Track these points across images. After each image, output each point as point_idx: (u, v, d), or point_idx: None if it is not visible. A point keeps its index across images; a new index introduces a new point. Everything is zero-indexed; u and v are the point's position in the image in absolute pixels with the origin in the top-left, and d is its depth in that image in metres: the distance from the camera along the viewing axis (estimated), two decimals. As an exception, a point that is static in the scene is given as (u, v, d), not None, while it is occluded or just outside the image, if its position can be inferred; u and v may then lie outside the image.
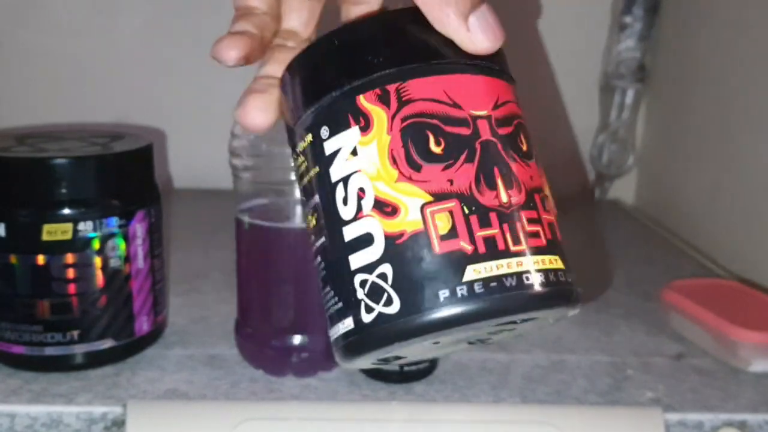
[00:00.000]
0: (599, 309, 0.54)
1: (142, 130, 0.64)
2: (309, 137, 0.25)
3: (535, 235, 0.23)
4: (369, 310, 0.23)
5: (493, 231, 0.23)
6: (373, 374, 0.42)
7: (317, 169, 0.25)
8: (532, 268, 0.23)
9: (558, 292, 0.23)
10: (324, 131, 0.25)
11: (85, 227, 0.40)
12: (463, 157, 0.23)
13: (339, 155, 0.24)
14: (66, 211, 0.40)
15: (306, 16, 0.31)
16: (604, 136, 0.86)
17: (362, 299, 0.24)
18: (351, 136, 0.24)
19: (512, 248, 0.22)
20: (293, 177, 0.40)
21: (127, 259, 0.42)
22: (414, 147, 0.23)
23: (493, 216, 0.23)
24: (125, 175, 0.42)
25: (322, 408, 0.39)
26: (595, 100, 0.87)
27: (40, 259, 0.40)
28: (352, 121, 0.24)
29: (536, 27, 0.85)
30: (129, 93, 0.84)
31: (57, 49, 0.82)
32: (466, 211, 0.23)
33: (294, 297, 0.41)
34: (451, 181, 0.23)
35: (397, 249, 0.23)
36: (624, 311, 0.54)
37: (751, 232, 0.63)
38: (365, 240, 0.24)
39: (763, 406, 0.41)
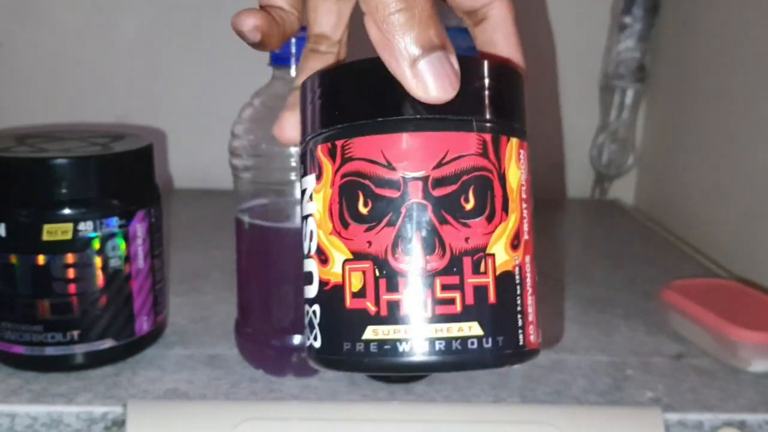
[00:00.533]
0: (599, 309, 0.54)
1: (142, 130, 0.64)
2: (300, 169, 0.27)
3: (449, 302, 0.23)
4: (307, 338, 0.26)
5: (398, 296, 0.23)
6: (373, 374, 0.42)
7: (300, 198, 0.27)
8: (432, 335, 0.23)
9: (456, 361, 0.23)
10: (301, 169, 0.26)
11: (86, 227, 0.40)
12: (385, 220, 0.23)
13: (305, 195, 0.26)
14: (66, 211, 0.40)
15: (334, 20, 0.30)
16: (603, 136, 0.86)
17: (306, 327, 0.26)
18: (310, 182, 0.25)
19: (414, 315, 0.23)
20: (293, 177, 0.40)
21: (128, 259, 0.42)
22: (346, 205, 0.24)
23: (401, 281, 0.23)
24: (125, 175, 0.42)
25: (322, 408, 0.39)
26: (595, 100, 0.87)
27: (41, 259, 0.40)
28: (312, 169, 0.25)
29: (536, 27, 0.85)
30: (129, 93, 0.85)
31: (57, 49, 0.82)
32: (377, 274, 0.23)
33: (294, 297, 0.41)
34: (369, 243, 0.23)
35: (324, 294, 0.25)
36: (624, 311, 0.54)
37: (750, 232, 0.63)
38: (309, 277, 0.25)
39: (763, 406, 0.41)
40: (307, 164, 0.26)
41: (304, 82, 0.27)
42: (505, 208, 0.24)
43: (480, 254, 0.23)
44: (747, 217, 0.64)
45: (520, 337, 0.24)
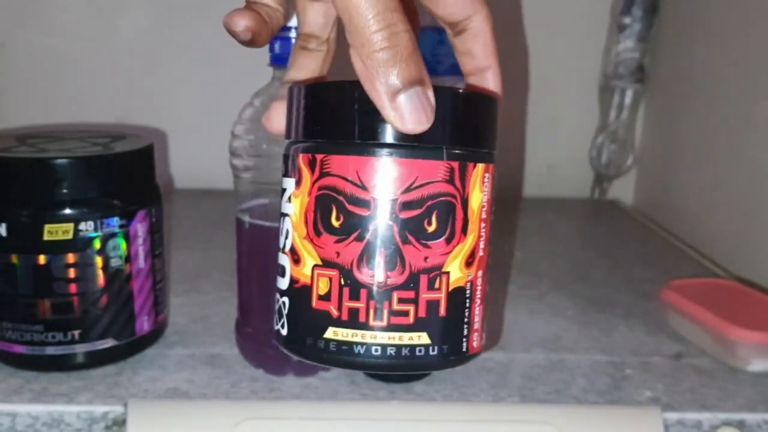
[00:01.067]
0: (599, 309, 0.54)
1: (143, 131, 0.64)
2: (282, 165, 0.28)
3: (403, 314, 0.26)
4: (276, 323, 0.28)
5: (359, 305, 0.26)
6: (373, 374, 0.42)
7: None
8: (385, 342, 0.26)
9: (405, 364, 0.26)
10: (283, 167, 0.28)
11: (86, 227, 0.40)
12: (354, 235, 0.26)
13: (285, 195, 0.28)
14: (67, 211, 0.40)
15: (322, 20, 0.31)
16: (603, 137, 0.86)
17: (275, 313, 0.28)
18: (290, 185, 0.27)
19: (371, 323, 0.26)
20: None
21: (128, 259, 0.42)
22: (320, 215, 0.26)
23: (363, 292, 0.26)
24: (126, 175, 0.42)
25: (323, 407, 0.40)
26: (595, 101, 0.87)
27: (42, 259, 0.40)
28: (292, 173, 0.27)
29: (536, 28, 0.85)
30: (130, 93, 0.85)
31: (58, 49, 0.83)
32: (342, 283, 0.26)
33: None
34: (338, 254, 0.26)
35: (294, 291, 0.27)
36: (623, 311, 0.54)
37: (749, 232, 0.64)
38: (282, 270, 0.28)
39: (762, 405, 0.41)
40: (289, 166, 0.27)
41: (291, 87, 0.28)
42: (464, 230, 0.27)
43: (436, 272, 0.26)
44: (746, 217, 0.64)
45: (464, 344, 0.27)
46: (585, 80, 0.86)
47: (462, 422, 0.39)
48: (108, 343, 0.42)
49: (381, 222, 0.25)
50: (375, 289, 0.26)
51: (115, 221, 0.41)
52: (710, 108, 0.72)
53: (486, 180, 0.27)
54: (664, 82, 0.82)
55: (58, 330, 0.41)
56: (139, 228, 0.42)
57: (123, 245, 0.42)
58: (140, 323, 0.43)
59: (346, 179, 0.25)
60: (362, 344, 0.26)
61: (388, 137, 0.25)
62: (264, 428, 0.38)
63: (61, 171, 0.40)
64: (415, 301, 0.26)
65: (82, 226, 0.40)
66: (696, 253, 0.69)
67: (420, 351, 0.26)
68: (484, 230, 0.27)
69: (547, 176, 0.90)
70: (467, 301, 0.27)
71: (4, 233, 0.40)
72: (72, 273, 0.40)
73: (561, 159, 0.90)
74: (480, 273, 0.27)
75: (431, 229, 0.26)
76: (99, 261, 0.41)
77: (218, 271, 0.59)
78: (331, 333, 0.26)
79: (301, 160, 0.26)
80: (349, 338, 0.26)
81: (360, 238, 0.25)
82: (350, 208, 0.25)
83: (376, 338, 0.26)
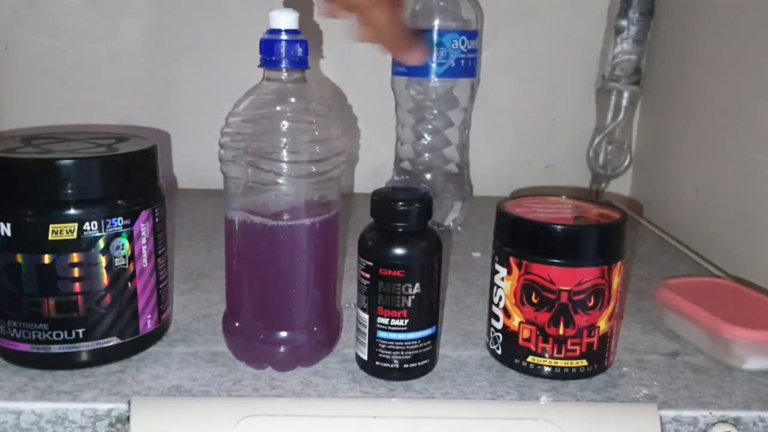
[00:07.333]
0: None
1: (146, 132, 0.65)
2: (494, 257, 0.45)
3: (574, 350, 0.43)
4: (493, 342, 0.46)
5: (547, 345, 0.43)
6: (374, 372, 0.42)
7: None
8: (557, 365, 0.43)
9: (568, 375, 0.44)
10: (496, 258, 0.45)
11: (91, 227, 0.40)
12: (545, 308, 0.42)
13: (498, 275, 0.44)
14: (72, 211, 0.40)
15: None
16: (600, 138, 0.86)
17: (489, 336, 0.46)
18: (503, 271, 0.43)
19: (554, 355, 0.43)
20: (281, 180, 0.41)
21: (132, 258, 0.42)
22: (524, 294, 0.42)
23: (550, 339, 0.43)
24: (130, 175, 0.43)
25: (323, 405, 0.40)
26: (592, 102, 0.87)
27: (46, 259, 0.40)
28: (505, 265, 0.43)
29: (535, 31, 0.85)
30: (133, 95, 0.85)
31: (62, 52, 0.83)
32: (537, 333, 0.43)
33: (279, 293, 0.42)
34: (535, 317, 0.42)
35: (506, 332, 0.44)
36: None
37: (744, 231, 0.64)
38: (497, 317, 0.45)
39: (757, 403, 0.42)
40: (502, 260, 0.43)
41: (503, 211, 0.44)
42: (609, 301, 0.43)
43: (592, 328, 0.42)
44: (741, 216, 0.65)
45: (606, 361, 0.44)
46: (583, 82, 0.87)
47: (461, 419, 0.40)
48: (112, 341, 0.43)
49: (562, 302, 0.41)
50: (557, 338, 0.42)
51: (119, 221, 0.41)
52: (705, 109, 0.72)
53: (621, 270, 0.43)
54: (661, 84, 0.83)
55: (62, 328, 0.41)
56: (143, 228, 0.43)
57: (127, 245, 0.42)
58: (144, 322, 0.44)
59: (541, 277, 0.41)
60: (542, 366, 0.43)
61: (568, 257, 0.41)
62: (265, 425, 0.39)
63: (66, 171, 0.40)
64: (580, 344, 0.42)
65: (87, 225, 0.40)
66: (691, 252, 0.70)
67: (581, 370, 0.43)
68: (619, 297, 0.44)
69: (545, 176, 0.90)
70: (609, 339, 0.43)
71: (9, 233, 0.40)
72: (76, 272, 0.41)
73: (559, 159, 0.90)
74: (615, 321, 0.44)
75: (591, 304, 0.42)
76: (103, 260, 0.41)
77: (221, 270, 0.58)
78: (530, 358, 0.43)
79: (512, 261, 0.42)
80: (538, 361, 0.43)
81: (549, 310, 0.42)
82: (544, 293, 0.42)
83: (550, 362, 0.43)
